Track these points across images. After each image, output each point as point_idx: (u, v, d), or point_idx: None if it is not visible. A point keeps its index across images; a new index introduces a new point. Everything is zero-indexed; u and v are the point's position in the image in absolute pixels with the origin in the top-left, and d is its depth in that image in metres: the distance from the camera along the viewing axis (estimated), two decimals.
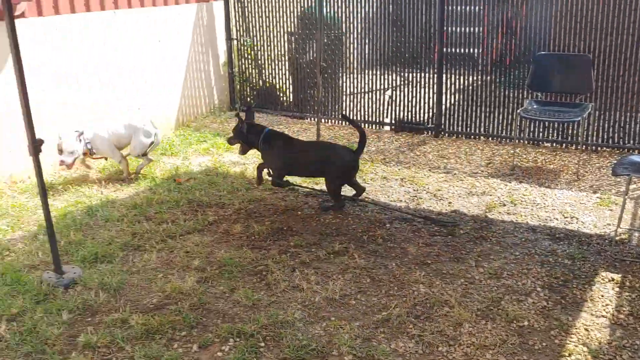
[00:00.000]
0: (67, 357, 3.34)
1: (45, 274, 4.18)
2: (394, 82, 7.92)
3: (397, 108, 7.88)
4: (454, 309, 3.73)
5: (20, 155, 6.05)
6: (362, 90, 8.11)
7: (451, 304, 3.79)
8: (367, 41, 8.11)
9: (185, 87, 8.21)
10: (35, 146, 3.94)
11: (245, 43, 8.73)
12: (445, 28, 7.36)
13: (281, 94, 8.81)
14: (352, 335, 3.47)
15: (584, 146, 6.71)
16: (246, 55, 8.85)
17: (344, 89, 8.27)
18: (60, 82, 6.43)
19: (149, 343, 3.43)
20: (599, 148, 6.82)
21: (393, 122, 7.94)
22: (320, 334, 3.51)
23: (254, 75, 8.94)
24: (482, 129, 7.41)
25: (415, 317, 3.67)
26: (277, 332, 3.51)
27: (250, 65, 8.90)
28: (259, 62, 8.83)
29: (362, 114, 8.12)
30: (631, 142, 6.64)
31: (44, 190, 4.06)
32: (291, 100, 8.75)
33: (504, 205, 5.42)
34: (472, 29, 7.31)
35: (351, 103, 8.19)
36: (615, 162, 5.40)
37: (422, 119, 7.76)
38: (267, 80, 8.86)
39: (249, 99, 9.01)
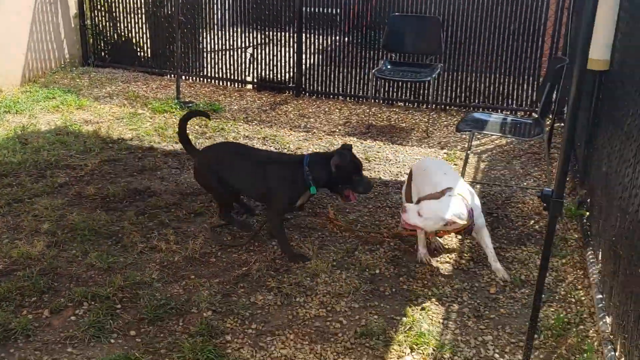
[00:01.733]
0: None
1: None
2: (255, 40, 7.87)
3: (259, 67, 7.86)
4: (311, 261, 3.86)
5: None
6: (223, 48, 7.98)
7: (309, 256, 3.93)
8: None
9: (31, 41, 7.61)
10: None
11: None
12: None
13: (138, 49, 8.44)
14: (211, 292, 3.50)
15: (433, 105, 7.10)
16: (99, 7, 8.35)
17: (205, 46, 8.09)
18: None
19: None
20: (448, 107, 7.25)
21: (255, 80, 7.91)
22: (179, 293, 3.51)
23: (108, 29, 8.47)
24: (340, 89, 7.59)
25: (274, 271, 3.77)
26: (134, 293, 3.46)
27: (103, 18, 8.41)
28: (114, 14, 8.37)
29: (224, 71, 8.00)
30: (476, 100, 7.13)
31: None
32: (149, 55, 8.42)
33: None
34: None
35: (212, 60, 8.04)
36: (459, 119, 5.79)
37: (283, 78, 7.80)
38: (123, 34, 8.44)
39: (103, 54, 8.55)
